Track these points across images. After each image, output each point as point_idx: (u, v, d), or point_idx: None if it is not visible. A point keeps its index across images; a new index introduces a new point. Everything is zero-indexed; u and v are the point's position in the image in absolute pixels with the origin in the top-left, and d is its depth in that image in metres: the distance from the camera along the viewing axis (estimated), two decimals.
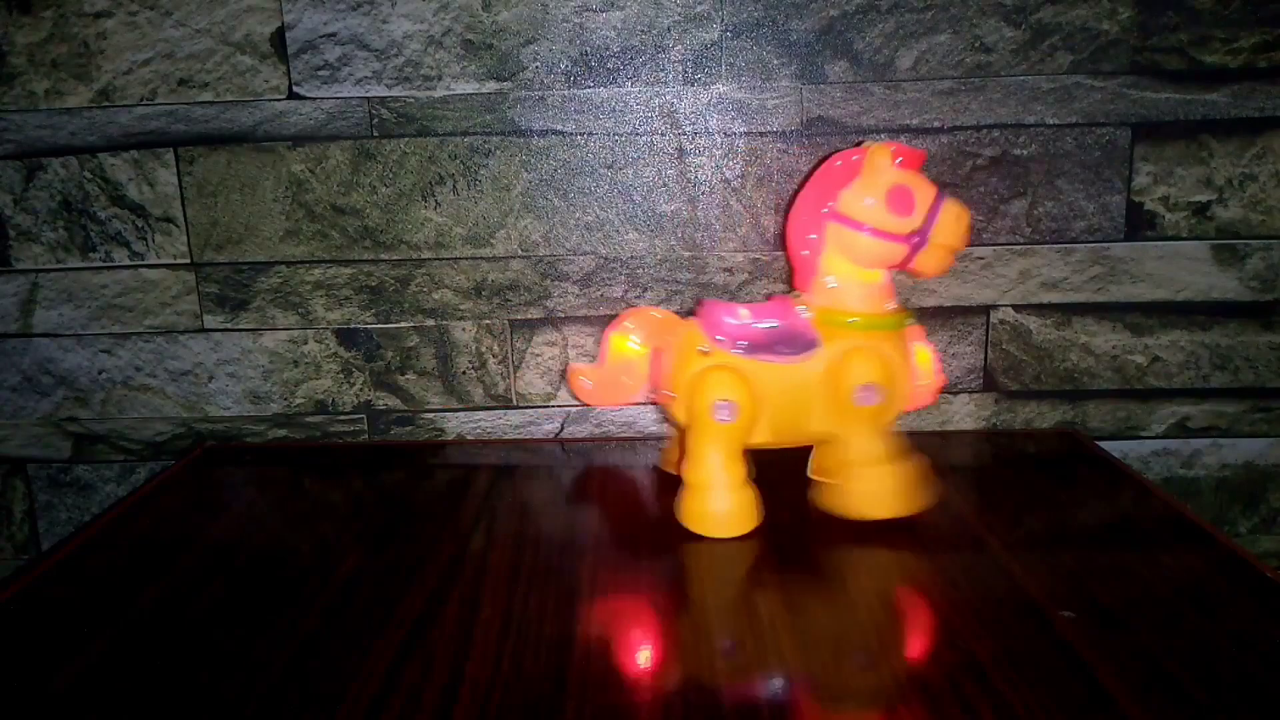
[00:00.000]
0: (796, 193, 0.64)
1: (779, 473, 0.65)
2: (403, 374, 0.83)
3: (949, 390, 0.82)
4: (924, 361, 0.65)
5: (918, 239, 0.59)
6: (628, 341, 0.67)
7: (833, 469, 0.63)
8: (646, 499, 0.69)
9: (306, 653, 0.49)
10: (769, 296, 0.67)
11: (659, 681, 0.46)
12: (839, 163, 0.62)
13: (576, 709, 0.44)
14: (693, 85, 0.77)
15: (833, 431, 0.62)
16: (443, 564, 0.59)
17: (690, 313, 0.65)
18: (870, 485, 0.62)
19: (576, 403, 0.83)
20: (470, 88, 0.77)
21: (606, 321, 0.81)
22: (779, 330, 0.62)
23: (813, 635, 0.50)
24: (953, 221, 0.60)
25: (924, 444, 0.79)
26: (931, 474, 0.65)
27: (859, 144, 0.62)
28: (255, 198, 0.79)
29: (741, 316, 0.63)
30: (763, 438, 0.62)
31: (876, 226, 0.60)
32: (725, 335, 0.62)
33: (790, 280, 0.68)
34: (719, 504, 0.61)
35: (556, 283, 0.80)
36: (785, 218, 0.66)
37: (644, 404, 0.67)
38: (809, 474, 0.66)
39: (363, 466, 0.77)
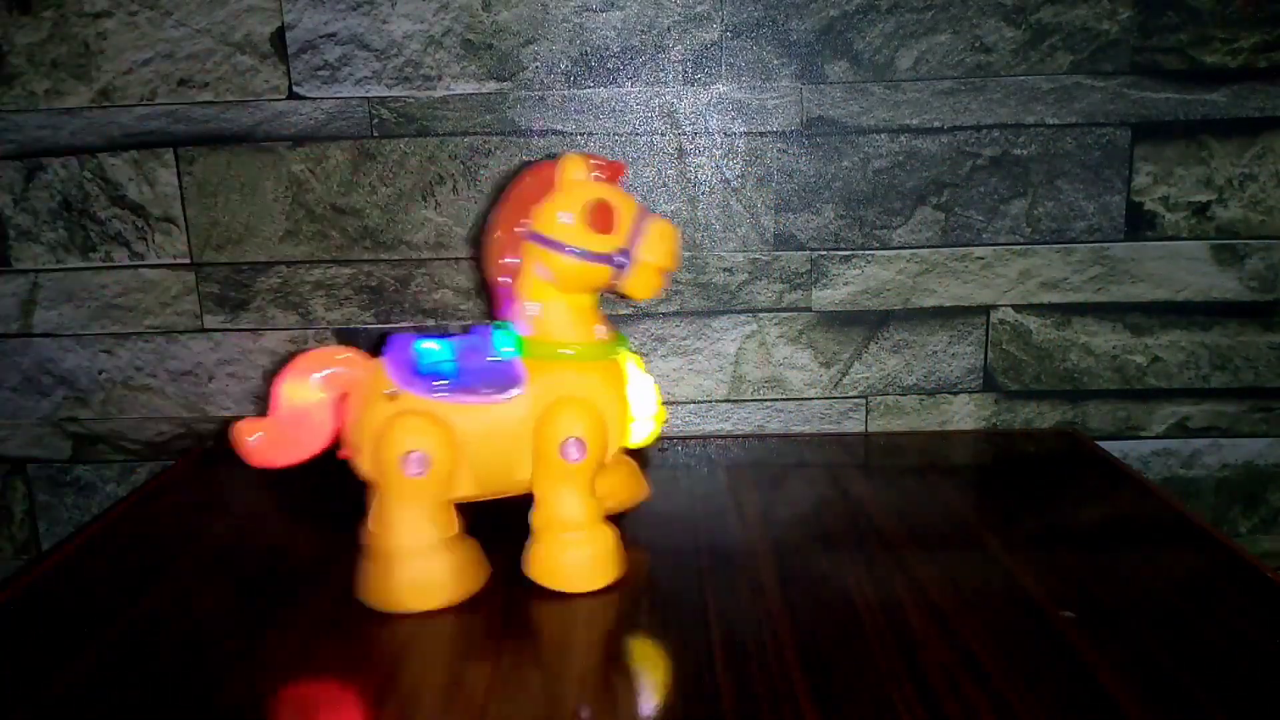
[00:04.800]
0: (489, 209, 0.57)
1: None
2: None
3: (949, 390, 0.82)
4: (647, 392, 0.59)
5: (620, 258, 0.54)
6: (302, 388, 0.55)
7: (534, 529, 0.56)
8: (647, 499, 0.69)
9: (306, 653, 0.49)
10: (468, 328, 0.59)
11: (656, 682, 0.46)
12: (531, 178, 0.56)
13: (577, 710, 0.44)
14: (693, 85, 0.77)
15: (533, 484, 0.55)
16: None
17: (375, 350, 0.57)
18: (566, 554, 0.54)
19: None
20: (470, 88, 0.77)
21: (606, 321, 0.81)
22: (482, 366, 0.54)
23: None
24: (658, 239, 0.54)
25: (924, 444, 0.79)
26: (620, 544, 0.56)
27: (551, 156, 0.57)
28: (255, 198, 0.79)
29: (434, 351, 0.55)
30: (467, 490, 0.54)
31: (576, 245, 0.54)
32: (415, 374, 0.54)
33: (489, 309, 0.59)
34: (417, 572, 0.52)
35: None
36: (479, 238, 0.56)
37: (326, 460, 0.56)
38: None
39: None
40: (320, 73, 0.77)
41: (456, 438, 0.53)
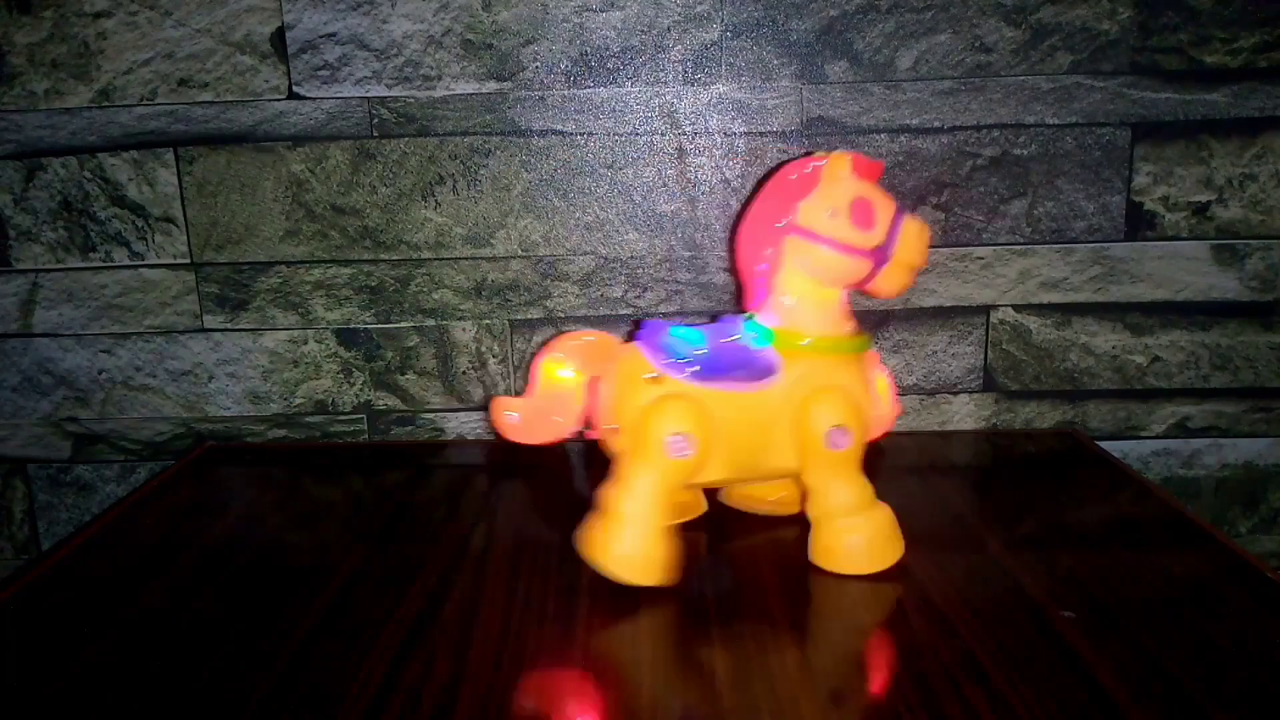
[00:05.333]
0: (745, 206, 0.59)
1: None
2: (403, 374, 0.83)
3: (949, 390, 0.82)
4: (882, 389, 0.61)
5: (880, 255, 0.56)
6: (560, 370, 0.60)
7: (812, 519, 0.57)
8: None
9: (306, 653, 0.49)
10: (715, 317, 0.61)
11: (656, 680, 0.46)
12: (794, 174, 0.57)
13: (577, 710, 0.44)
14: (693, 85, 0.77)
15: (796, 472, 0.57)
16: (443, 564, 0.59)
17: (630, 335, 0.59)
18: (847, 539, 0.56)
19: None
20: (470, 88, 0.77)
21: (607, 322, 0.81)
22: (735, 355, 0.56)
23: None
24: (914, 238, 0.56)
25: (924, 444, 0.79)
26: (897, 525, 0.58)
27: (809, 153, 0.59)
28: (255, 198, 0.79)
29: (690, 338, 0.56)
30: (715, 474, 0.56)
31: (840, 240, 0.55)
32: (672, 360, 0.55)
33: (738, 299, 0.62)
34: (638, 545, 0.53)
35: (556, 283, 0.80)
36: (733, 232, 0.60)
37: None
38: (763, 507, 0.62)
39: (363, 466, 0.77)
40: (320, 73, 0.77)
41: (714, 423, 0.54)
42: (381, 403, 0.83)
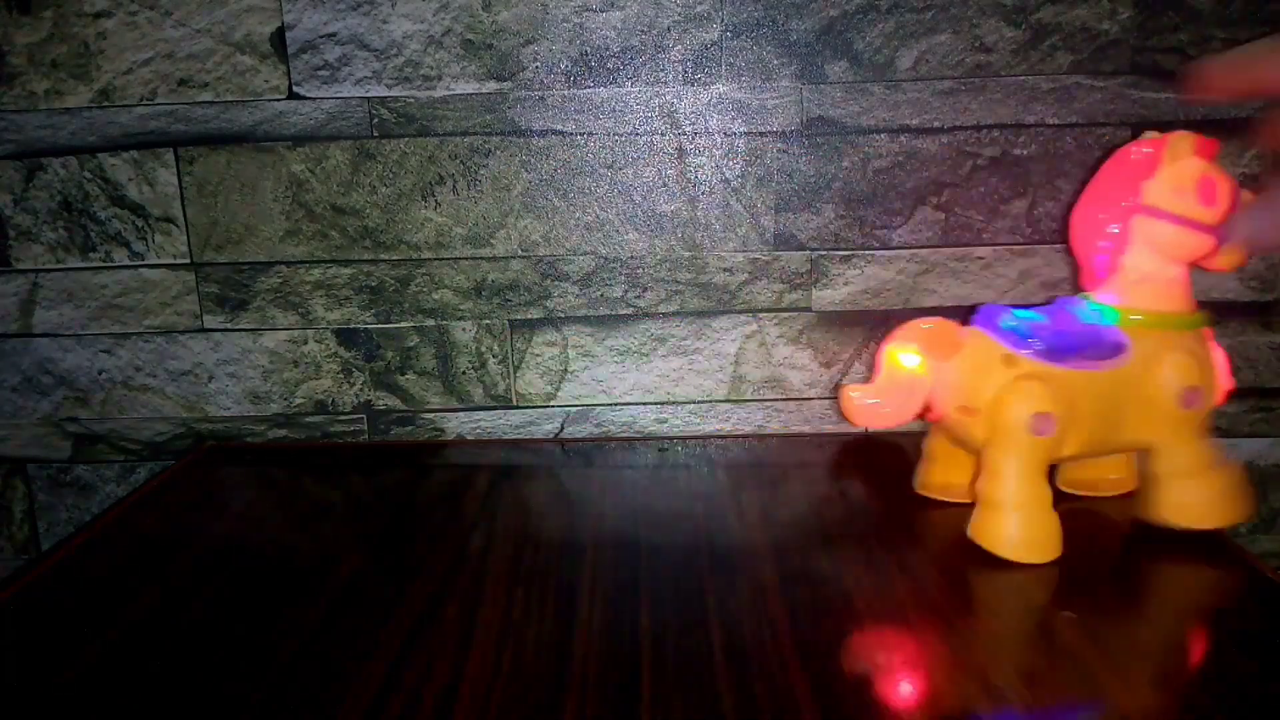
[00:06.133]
0: (1081, 189, 0.61)
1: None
2: (403, 374, 0.83)
3: None
4: (1220, 363, 0.62)
5: (1224, 230, 0.57)
6: (904, 355, 0.61)
7: (1150, 479, 0.60)
8: (648, 499, 0.69)
9: (306, 653, 0.49)
10: (1051, 300, 0.64)
11: (652, 684, 0.46)
12: (1134, 154, 0.59)
13: (577, 709, 0.44)
14: (693, 85, 0.77)
15: (1148, 439, 0.59)
16: (443, 564, 0.59)
17: (966, 320, 0.61)
18: (1199, 494, 0.59)
19: (576, 403, 0.83)
20: (470, 88, 0.77)
21: (607, 321, 0.81)
22: (1081, 334, 0.59)
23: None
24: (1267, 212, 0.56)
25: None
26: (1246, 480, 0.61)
27: (1146, 135, 0.60)
28: (255, 198, 0.79)
29: (1034, 320, 0.59)
30: (1070, 450, 0.58)
31: (1188, 217, 0.57)
32: (1018, 342, 0.58)
33: (1077, 281, 0.64)
34: (1029, 527, 0.57)
35: (556, 283, 0.80)
36: (1071, 214, 0.61)
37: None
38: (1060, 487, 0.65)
39: (363, 466, 0.77)
40: (320, 73, 0.77)
41: (1070, 401, 0.57)
42: (381, 403, 0.83)
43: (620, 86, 0.77)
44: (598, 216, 0.79)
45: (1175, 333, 0.59)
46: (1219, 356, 0.62)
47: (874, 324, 0.81)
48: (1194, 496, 0.59)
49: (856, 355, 0.81)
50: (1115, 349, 0.58)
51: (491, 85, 0.77)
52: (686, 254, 0.79)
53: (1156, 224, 0.57)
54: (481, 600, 0.54)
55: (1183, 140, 0.57)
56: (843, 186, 0.78)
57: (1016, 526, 0.56)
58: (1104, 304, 0.60)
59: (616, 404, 0.83)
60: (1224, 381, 0.62)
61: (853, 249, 0.79)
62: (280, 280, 0.81)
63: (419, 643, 0.50)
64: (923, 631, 0.50)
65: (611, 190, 0.78)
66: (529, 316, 0.81)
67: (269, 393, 0.83)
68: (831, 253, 0.79)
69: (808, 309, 0.81)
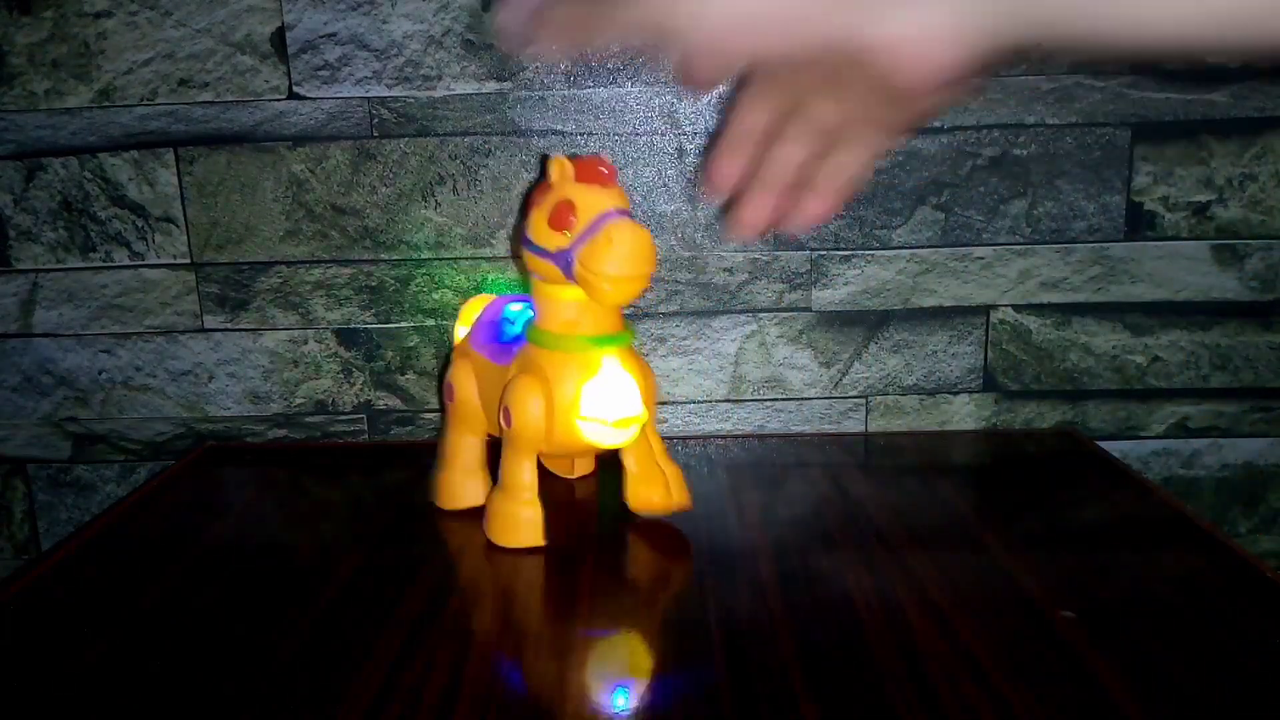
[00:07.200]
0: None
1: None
2: (403, 374, 0.83)
3: (949, 390, 0.82)
4: (623, 394, 0.58)
5: (565, 257, 0.54)
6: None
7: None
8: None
9: (307, 653, 0.49)
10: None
11: (656, 682, 0.46)
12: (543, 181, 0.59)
13: (576, 710, 0.44)
14: None
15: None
16: (443, 564, 0.59)
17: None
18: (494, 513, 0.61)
19: None
20: (470, 88, 0.77)
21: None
22: (495, 329, 0.64)
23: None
24: (604, 244, 0.53)
25: (924, 444, 0.79)
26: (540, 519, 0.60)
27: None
28: (255, 198, 0.79)
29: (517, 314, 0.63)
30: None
31: (535, 241, 0.57)
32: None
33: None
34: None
35: None
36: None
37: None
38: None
39: (363, 466, 0.77)
40: (320, 73, 0.77)
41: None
42: (381, 403, 0.83)
43: (620, 86, 0.77)
44: None
45: (548, 351, 0.58)
46: (619, 388, 0.57)
47: (874, 324, 0.81)
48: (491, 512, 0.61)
49: (856, 355, 0.81)
50: (507, 351, 0.61)
51: (491, 85, 0.77)
52: (686, 254, 0.79)
53: (522, 245, 0.59)
54: (481, 600, 0.54)
55: (556, 164, 0.56)
56: None
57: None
58: (524, 312, 0.62)
59: None
60: (597, 413, 0.57)
61: (853, 249, 0.79)
62: (280, 280, 0.81)
63: (419, 643, 0.50)
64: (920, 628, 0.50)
65: None
66: None
67: (269, 393, 0.83)
68: (831, 253, 0.79)
69: (808, 309, 0.81)
